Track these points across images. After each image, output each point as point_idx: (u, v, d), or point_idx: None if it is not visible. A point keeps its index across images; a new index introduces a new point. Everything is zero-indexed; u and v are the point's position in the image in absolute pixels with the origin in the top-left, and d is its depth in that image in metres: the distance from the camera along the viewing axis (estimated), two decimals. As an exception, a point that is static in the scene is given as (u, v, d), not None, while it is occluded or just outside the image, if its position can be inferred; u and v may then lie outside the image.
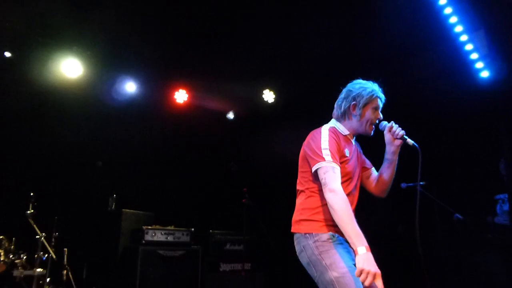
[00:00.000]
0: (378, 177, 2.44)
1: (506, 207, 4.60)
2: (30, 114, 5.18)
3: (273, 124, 6.55)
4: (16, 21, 4.67)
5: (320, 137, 2.23)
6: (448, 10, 4.04)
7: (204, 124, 6.39)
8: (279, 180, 6.24)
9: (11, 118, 5.05)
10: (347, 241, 2.13)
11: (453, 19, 4.06)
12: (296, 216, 2.29)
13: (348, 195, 2.15)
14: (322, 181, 2.09)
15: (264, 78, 6.30)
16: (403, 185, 4.26)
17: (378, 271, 1.86)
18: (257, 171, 6.35)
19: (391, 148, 2.34)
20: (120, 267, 4.92)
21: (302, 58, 5.44)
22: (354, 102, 2.36)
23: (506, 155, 3.96)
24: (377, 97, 2.37)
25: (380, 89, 2.42)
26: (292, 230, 2.29)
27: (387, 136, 2.35)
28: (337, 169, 2.13)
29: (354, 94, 2.37)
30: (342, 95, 2.44)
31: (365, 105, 2.34)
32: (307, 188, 2.28)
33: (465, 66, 4.21)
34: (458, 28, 4.08)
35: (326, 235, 2.13)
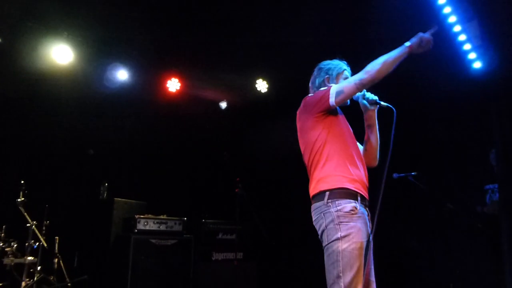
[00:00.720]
0: (364, 147, 2.53)
1: (495, 197, 4.65)
2: (20, 101, 5.12)
3: (266, 114, 6.54)
4: (6, 6, 4.58)
5: (314, 94, 2.42)
6: (441, 1, 4.03)
7: (197, 113, 6.36)
8: (272, 170, 6.27)
9: (0, 105, 4.98)
10: (365, 209, 2.25)
11: (446, 10, 4.05)
12: (315, 187, 2.29)
13: (353, 157, 2.29)
14: (353, 79, 2.28)
15: (257, 68, 6.27)
16: (395, 175, 4.30)
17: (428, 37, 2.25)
18: (250, 161, 6.36)
19: (369, 114, 2.47)
20: (112, 256, 4.91)
21: (296, 48, 5.41)
22: (327, 76, 2.53)
23: (497, 146, 3.99)
24: (346, 68, 2.56)
25: (346, 64, 2.60)
26: (313, 202, 2.29)
27: (362, 103, 2.48)
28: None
29: (325, 69, 2.56)
30: (313, 74, 2.61)
31: (337, 75, 2.52)
32: (317, 158, 2.30)
33: (458, 56, 4.22)
34: (452, 19, 4.08)
35: (349, 206, 2.16)
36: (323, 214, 2.19)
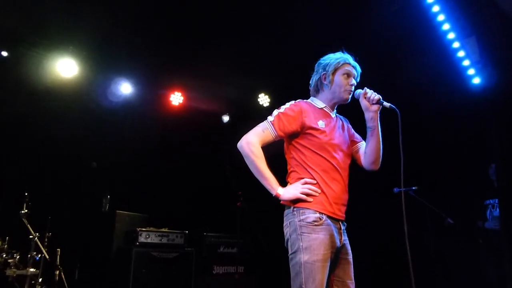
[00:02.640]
0: (364, 149, 2.37)
1: (496, 212, 4.66)
2: (24, 114, 5.17)
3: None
4: (12, 21, 4.67)
5: (283, 105, 2.33)
6: (440, 18, 4.11)
7: (199, 126, 6.41)
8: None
9: (6, 117, 5.04)
10: (332, 219, 2.17)
11: (445, 26, 4.13)
12: None
13: (330, 170, 2.21)
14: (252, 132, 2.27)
15: (260, 82, 6.33)
16: (396, 189, 4.30)
17: (300, 183, 2.12)
18: (252, 174, 6.37)
19: (370, 114, 2.26)
20: (113, 269, 4.91)
21: (299, 63, 5.47)
22: (323, 72, 2.36)
23: (496, 161, 4.02)
24: (346, 63, 2.34)
25: (352, 57, 2.39)
26: (282, 202, 2.28)
27: (363, 103, 2.28)
28: (270, 130, 2.25)
29: (322, 64, 2.39)
30: (313, 72, 2.46)
31: (333, 71, 2.33)
32: (291, 167, 2.32)
33: (457, 72, 4.27)
34: (451, 35, 4.15)
35: (313, 216, 2.11)
36: (289, 222, 2.19)
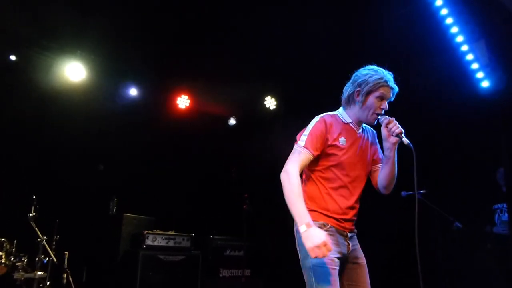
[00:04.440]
0: (380, 174, 2.33)
1: (504, 217, 4.62)
2: (33, 117, 5.22)
3: (275, 131, 6.58)
4: (21, 25, 4.71)
5: (311, 124, 2.26)
6: (449, 21, 4.08)
7: (206, 129, 6.42)
8: (280, 187, 6.26)
9: (15, 121, 5.08)
10: (339, 232, 2.18)
11: (454, 29, 4.11)
12: None
13: (339, 187, 2.20)
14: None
15: (266, 85, 6.34)
16: (404, 193, 4.28)
17: (320, 241, 1.88)
18: (258, 177, 6.37)
19: (387, 145, 2.21)
20: (120, 271, 4.92)
21: (305, 66, 5.48)
22: (358, 89, 2.25)
23: (505, 164, 3.98)
24: (384, 86, 2.22)
25: (392, 78, 2.27)
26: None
27: (384, 132, 2.21)
28: (305, 153, 2.15)
29: (360, 80, 2.26)
30: (350, 80, 2.34)
31: (368, 92, 2.22)
32: (306, 176, 2.30)
33: (466, 75, 4.24)
34: (459, 38, 4.13)
35: (317, 223, 2.10)
36: (296, 230, 2.18)
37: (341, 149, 2.22)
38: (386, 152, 2.24)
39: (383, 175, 2.28)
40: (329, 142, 2.21)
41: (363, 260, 2.25)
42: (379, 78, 2.22)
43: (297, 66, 5.54)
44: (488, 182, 4.81)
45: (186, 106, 6.30)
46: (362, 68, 2.32)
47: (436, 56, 4.41)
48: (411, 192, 4.25)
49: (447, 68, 4.43)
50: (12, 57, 5.01)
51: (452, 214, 4.37)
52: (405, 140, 2.14)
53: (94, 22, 4.78)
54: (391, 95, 2.26)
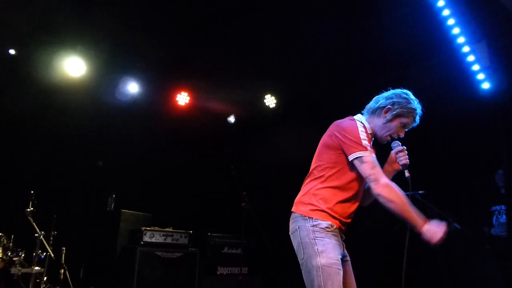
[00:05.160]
0: (367, 189, 2.36)
1: (502, 219, 4.62)
2: (32, 112, 5.20)
3: (274, 129, 6.57)
4: (20, 19, 4.69)
5: (357, 127, 2.23)
6: (451, 21, 4.07)
7: (205, 127, 6.41)
8: (279, 185, 6.27)
9: (14, 116, 5.06)
10: (340, 233, 2.23)
11: (455, 30, 4.10)
12: (303, 198, 2.28)
13: (351, 197, 2.24)
14: (370, 177, 2.10)
15: (266, 83, 6.32)
16: (402, 193, 4.28)
17: (440, 234, 2.01)
18: (257, 175, 6.37)
19: (389, 169, 2.34)
20: (118, 268, 4.92)
21: (305, 65, 5.47)
22: (390, 107, 2.30)
23: (505, 166, 3.98)
24: (413, 117, 2.32)
25: (420, 114, 2.35)
26: (293, 209, 2.29)
27: (392, 157, 2.34)
28: (375, 156, 2.16)
29: (396, 100, 2.31)
30: (386, 94, 2.38)
31: (399, 115, 2.29)
32: (323, 175, 2.26)
33: (466, 77, 4.24)
34: (460, 39, 4.12)
35: (325, 223, 2.15)
36: (298, 226, 2.19)
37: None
38: (385, 173, 2.27)
39: (368, 193, 2.34)
40: None
41: (349, 257, 2.33)
42: (413, 109, 2.30)
43: (297, 65, 5.53)
44: (486, 184, 4.82)
45: (185, 103, 6.28)
46: (401, 90, 2.37)
47: (437, 57, 4.40)
48: (409, 193, 4.24)
49: (448, 69, 4.42)
50: (12, 51, 4.99)
51: (450, 215, 4.37)
52: (407, 173, 2.25)
53: (94, 17, 4.76)
54: (411, 125, 2.36)
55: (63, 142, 5.38)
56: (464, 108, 4.58)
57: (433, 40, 4.24)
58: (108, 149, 5.73)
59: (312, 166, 2.36)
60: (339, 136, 2.23)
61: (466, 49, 4.13)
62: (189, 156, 6.39)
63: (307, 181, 2.34)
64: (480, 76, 4.18)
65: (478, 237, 4.64)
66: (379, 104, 2.34)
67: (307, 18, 4.68)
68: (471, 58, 4.16)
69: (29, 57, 5.06)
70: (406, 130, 2.36)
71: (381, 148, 2.42)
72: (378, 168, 2.12)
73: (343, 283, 2.19)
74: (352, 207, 2.28)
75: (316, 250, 2.09)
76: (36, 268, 4.10)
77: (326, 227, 2.14)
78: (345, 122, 2.30)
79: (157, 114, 6.16)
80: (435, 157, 5.13)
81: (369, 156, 2.13)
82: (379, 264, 5.28)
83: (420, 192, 4.21)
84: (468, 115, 4.62)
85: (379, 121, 2.34)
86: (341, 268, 2.10)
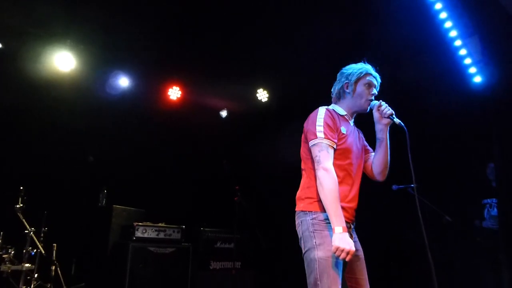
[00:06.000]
0: (373, 160, 2.46)
1: (493, 211, 4.66)
2: (21, 107, 5.13)
3: (266, 123, 6.56)
4: (8, 12, 4.60)
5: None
6: (443, 15, 4.06)
7: (197, 121, 6.38)
8: (271, 178, 6.27)
9: (1, 111, 4.99)
10: (347, 223, 2.20)
11: (448, 24, 4.09)
12: (300, 194, 2.33)
13: (344, 176, 2.27)
14: (316, 158, 2.19)
15: (258, 77, 6.30)
16: (394, 187, 4.30)
17: (352, 249, 2.01)
18: (250, 170, 6.36)
19: (379, 127, 2.37)
20: (110, 264, 4.89)
21: (297, 59, 5.44)
22: (346, 81, 2.43)
23: (496, 160, 4.00)
24: (368, 73, 2.42)
25: (373, 69, 2.46)
26: (296, 208, 2.33)
27: (376, 115, 2.38)
28: (331, 144, 2.22)
29: (346, 73, 2.45)
30: (336, 80, 2.52)
31: (356, 81, 2.41)
32: (308, 168, 2.32)
33: (458, 70, 4.24)
34: (453, 33, 4.11)
35: (324, 214, 2.17)
36: (301, 221, 2.24)
37: (343, 137, 2.31)
38: (378, 135, 2.39)
39: (377, 159, 2.42)
40: (338, 132, 2.30)
41: (362, 253, 2.34)
42: (361, 68, 2.43)
43: (290, 59, 5.50)
44: (478, 177, 4.85)
45: (177, 97, 6.24)
46: (343, 68, 2.51)
47: (429, 50, 4.40)
48: (402, 186, 4.27)
49: (439, 63, 4.42)
50: (-1, 45, 4.90)
51: (442, 208, 4.40)
52: (397, 120, 2.31)
53: (84, 11, 4.68)
54: (376, 83, 2.45)
55: (53, 137, 5.32)
56: (455, 102, 4.59)
57: (425, 34, 4.24)
58: (99, 144, 5.67)
59: (301, 161, 2.43)
60: (304, 127, 2.35)
61: (458, 43, 4.13)
62: (181, 150, 6.37)
63: (302, 178, 2.39)
64: (472, 70, 4.18)
65: (469, 230, 4.67)
66: (338, 88, 2.47)
67: (299, 13, 4.65)
68: (463, 51, 4.16)
69: (17, 51, 4.96)
70: (377, 89, 2.45)
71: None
72: (325, 152, 2.18)
73: (354, 278, 2.25)
74: (350, 188, 2.30)
75: (314, 243, 2.12)
76: (27, 265, 4.07)
77: (325, 218, 2.15)
78: (310, 114, 2.37)
79: (149, 108, 6.11)
80: (426, 150, 5.15)
81: (320, 141, 2.21)
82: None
83: (412, 185, 4.23)
84: (460, 109, 4.63)
85: (347, 99, 2.45)
86: (339, 260, 2.09)
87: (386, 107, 2.33)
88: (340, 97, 2.47)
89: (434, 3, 4.04)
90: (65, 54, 5.17)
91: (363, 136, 2.58)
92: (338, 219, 2.05)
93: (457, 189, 4.91)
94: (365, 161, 2.51)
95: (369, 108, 2.42)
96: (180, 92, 6.23)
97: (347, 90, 2.42)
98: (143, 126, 6.04)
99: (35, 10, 4.63)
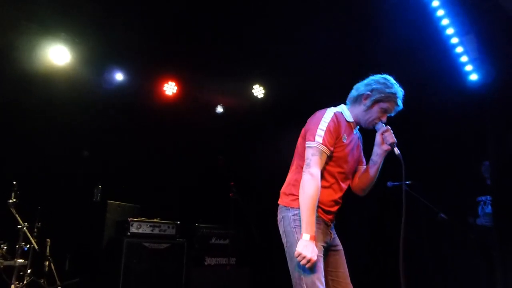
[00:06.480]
0: (361, 175, 2.46)
1: (487, 209, 4.68)
2: (14, 101, 5.06)
3: (262, 119, 6.54)
4: (1, 5, 4.54)
5: (322, 117, 2.28)
6: (440, 13, 4.06)
7: (193, 117, 6.35)
8: (266, 175, 6.26)
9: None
10: (325, 222, 2.27)
11: (444, 22, 4.09)
12: (285, 189, 2.36)
13: (332, 183, 2.28)
14: (307, 161, 2.19)
15: (254, 73, 6.27)
16: (389, 183, 4.30)
17: (314, 258, 2.04)
18: (245, 165, 6.34)
19: (378, 151, 2.34)
20: (104, 259, 4.88)
21: (293, 55, 5.42)
22: (369, 93, 2.32)
23: (491, 157, 4.02)
24: (394, 102, 2.31)
25: (402, 97, 2.34)
26: (279, 201, 2.36)
27: (378, 138, 2.34)
28: (325, 151, 2.20)
29: (375, 86, 2.32)
30: (365, 81, 2.40)
31: (377, 101, 2.30)
32: (299, 164, 2.31)
33: (454, 68, 4.25)
34: (449, 31, 4.11)
35: None
36: (283, 216, 2.28)
37: (343, 146, 2.29)
38: (374, 158, 2.37)
39: (365, 177, 2.42)
40: (337, 138, 2.28)
41: (341, 247, 2.39)
42: (393, 93, 2.30)
43: (286, 55, 5.48)
44: (472, 175, 4.87)
45: (173, 92, 6.20)
46: (380, 75, 2.37)
47: (426, 48, 4.40)
48: (397, 183, 4.28)
49: (436, 60, 4.42)
50: (-8, 39, 4.83)
51: (437, 205, 4.41)
52: (396, 150, 2.25)
53: (79, 4, 4.63)
54: (394, 110, 2.36)
55: (47, 131, 5.27)
56: (451, 99, 4.61)
57: (422, 31, 4.23)
58: (94, 139, 5.63)
59: (294, 156, 2.43)
60: (307, 123, 2.33)
61: (455, 40, 4.13)
62: (176, 146, 6.34)
63: (289, 172, 2.41)
64: (468, 68, 4.19)
65: (463, 227, 4.70)
66: (359, 92, 2.38)
67: (295, 9, 4.63)
68: (459, 49, 4.16)
69: (10, 44, 4.90)
70: (392, 114, 2.38)
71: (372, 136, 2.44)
72: (317, 158, 2.17)
73: (335, 272, 2.30)
74: (335, 195, 2.31)
75: (296, 239, 2.15)
76: (20, 260, 4.02)
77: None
78: (317, 112, 2.35)
79: (144, 103, 6.07)
80: (422, 147, 5.17)
81: (317, 145, 2.19)
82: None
83: (407, 182, 4.23)
84: (455, 106, 4.65)
85: (360, 109, 2.37)
86: (321, 254, 2.15)
87: (391, 134, 2.28)
88: (355, 102, 2.39)
89: (431, 1, 4.04)
90: (60, 47, 5.11)
91: (361, 145, 2.55)
92: (308, 226, 2.07)
93: (451, 186, 4.93)
94: (356, 171, 2.49)
95: (371, 127, 2.38)
96: (175, 88, 6.20)
97: (364, 102, 2.34)
98: (139, 121, 6.00)
99: (28, 3, 4.57)
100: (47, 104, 5.25)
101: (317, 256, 2.09)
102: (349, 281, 2.31)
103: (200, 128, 6.38)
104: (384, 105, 2.30)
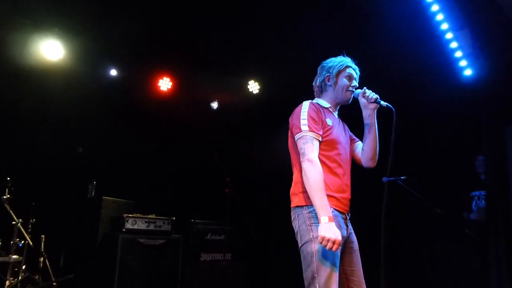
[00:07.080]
0: (362, 147, 2.48)
1: (481, 204, 4.71)
2: (7, 97, 5.03)
3: (257, 115, 6.53)
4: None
5: (301, 109, 2.34)
6: (435, 7, 4.06)
7: (188, 112, 6.33)
8: (262, 170, 6.27)
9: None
10: (340, 214, 2.24)
11: (439, 17, 4.09)
12: (294, 189, 2.34)
13: (335, 167, 2.28)
14: (301, 151, 2.21)
15: (249, 69, 6.26)
16: (385, 179, 4.30)
17: (338, 238, 2.00)
18: (241, 161, 6.34)
19: (367, 112, 2.40)
20: (99, 255, 4.86)
21: (289, 51, 5.41)
22: (327, 74, 2.47)
23: (486, 153, 4.04)
24: (348, 66, 2.47)
25: (352, 61, 2.51)
26: (292, 205, 2.33)
27: (362, 101, 2.41)
28: (315, 136, 2.24)
29: (326, 66, 2.50)
30: (317, 73, 2.56)
31: (337, 74, 2.45)
32: (297, 162, 2.32)
33: (449, 63, 4.25)
34: (444, 26, 4.12)
35: None
36: (297, 215, 2.24)
37: (330, 128, 2.33)
38: (366, 120, 2.41)
39: (367, 145, 2.44)
40: (322, 123, 2.32)
41: (357, 245, 2.35)
42: (341, 61, 2.48)
43: (281, 50, 5.47)
44: (467, 170, 4.89)
45: (168, 88, 6.18)
46: (325, 60, 2.55)
47: (421, 42, 4.40)
48: (392, 178, 4.28)
49: (430, 55, 4.43)
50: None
51: (431, 200, 4.43)
52: (383, 103, 2.32)
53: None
54: (355, 75, 2.49)
55: (41, 127, 5.24)
56: (446, 94, 4.62)
57: (417, 26, 4.23)
58: (88, 135, 5.61)
59: (291, 157, 2.44)
60: (289, 122, 2.37)
61: (449, 35, 4.14)
62: (171, 141, 6.32)
63: (293, 173, 2.40)
64: (463, 63, 4.20)
65: (458, 222, 4.72)
66: (319, 82, 2.52)
67: (291, 5, 4.62)
68: (454, 44, 4.17)
69: (3, 39, 4.86)
70: (356, 80, 2.49)
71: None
72: (310, 144, 2.21)
73: (350, 270, 2.26)
74: (342, 179, 2.31)
75: (312, 237, 2.12)
76: (14, 256, 4.02)
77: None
78: (295, 109, 2.39)
79: (139, 99, 6.05)
80: (416, 143, 5.18)
81: (305, 134, 2.23)
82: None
83: (402, 177, 4.25)
84: (450, 102, 4.66)
85: (330, 91, 2.49)
86: (337, 252, 2.09)
87: (371, 92, 2.37)
88: (322, 90, 2.51)
89: (426, -4, 4.04)
90: (53, 42, 5.07)
91: (347, 128, 2.62)
92: (323, 209, 2.06)
93: (446, 181, 4.95)
94: (353, 151, 2.55)
95: (352, 97, 2.46)
96: (170, 83, 6.18)
97: (329, 83, 2.47)
98: (133, 117, 5.98)
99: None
100: (41, 99, 5.22)
101: (331, 254, 2.06)
102: (363, 280, 2.27)
103: (195, 123, 6.37)
104: (345, 73, 2.45)
